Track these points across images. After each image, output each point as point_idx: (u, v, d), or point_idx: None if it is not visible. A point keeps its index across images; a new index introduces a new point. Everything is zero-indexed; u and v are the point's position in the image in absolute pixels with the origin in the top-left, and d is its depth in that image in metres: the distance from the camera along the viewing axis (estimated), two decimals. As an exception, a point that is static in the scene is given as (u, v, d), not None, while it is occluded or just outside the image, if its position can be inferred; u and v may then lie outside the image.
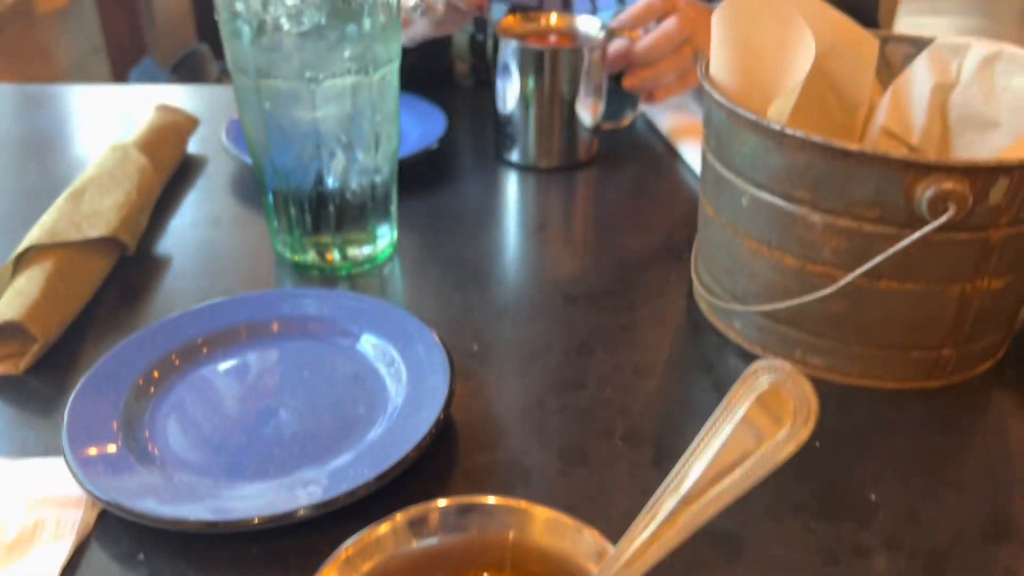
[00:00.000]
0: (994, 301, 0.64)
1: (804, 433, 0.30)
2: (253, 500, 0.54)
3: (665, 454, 0.61)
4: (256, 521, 0.52)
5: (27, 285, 0.69)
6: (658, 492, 0.35)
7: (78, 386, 0.61)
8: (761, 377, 0.31)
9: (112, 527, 0.55)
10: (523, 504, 0.38)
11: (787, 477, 0.59)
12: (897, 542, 0.55)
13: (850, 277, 0.60)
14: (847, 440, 0.63)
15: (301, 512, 0.52)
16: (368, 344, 0.68)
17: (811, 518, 0.56)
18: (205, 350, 0.67)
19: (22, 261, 0.72)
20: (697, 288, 0.77)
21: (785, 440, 0.31)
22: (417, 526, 0.37)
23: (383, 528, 0.37)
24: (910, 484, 0.59)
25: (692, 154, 1.03)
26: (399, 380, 0.64)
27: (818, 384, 0.71)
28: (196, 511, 0.52)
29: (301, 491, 0.54)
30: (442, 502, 0.38)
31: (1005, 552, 0.54)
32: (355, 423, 0.61)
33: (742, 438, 0.32)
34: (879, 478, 0.59)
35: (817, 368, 0.68)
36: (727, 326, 0.73)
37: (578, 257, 0.87)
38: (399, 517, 0.37)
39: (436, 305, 0.78)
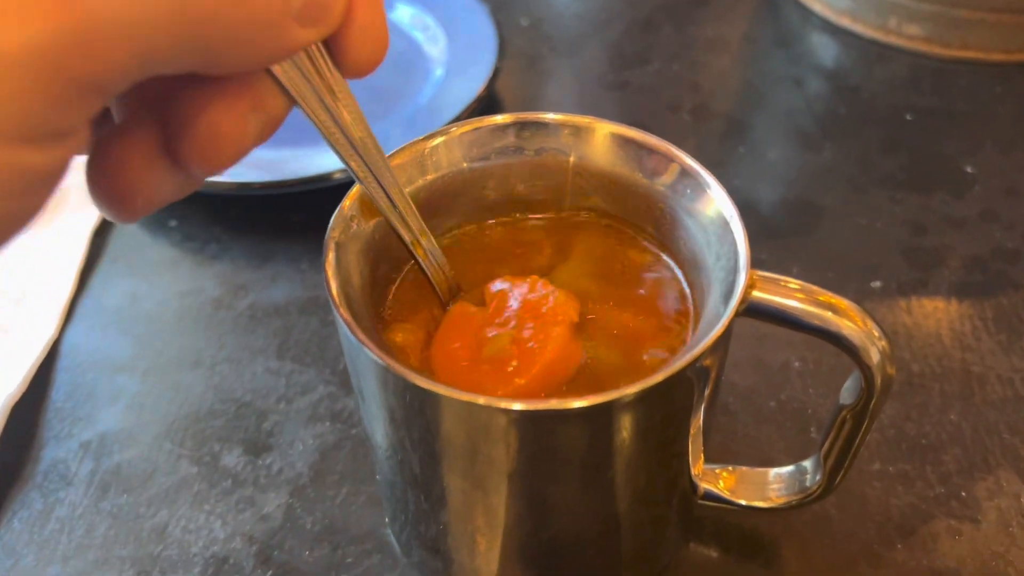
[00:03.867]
0: None
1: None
2: (290, 164, 0.50)
3: (736, 127, 0.55)
4: (292, 182, 0.48)
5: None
6: None
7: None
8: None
9: (142, 195, 0.51)
10: (586, 120, 0.33)
11: (872, 151, 0.53)
12: (993, 213, 0.49)
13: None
14: (943, 115, 0.56)
15: (338, 174, 0.48)
16: (406, 14, 0.61)
17: (899, 189, 0.51)
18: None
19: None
20: (779, -46, 0.68)
21: None
22: (471, 142, 0.32)
23: (436, 140, 0.32)
24: (1012, 157, 0.53)
25: None
26: (440, 51, 0.58)
27: (914, 58, 0.64)
28: (228, 174, 0.49)
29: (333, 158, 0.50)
30: (499, 117, 0.33)
31: (1115, 225, 0.49)
32: (392, 94, 0.56)
33: None
34: (977, 151, 0.53)
35: (914, 39, 0.60)
36: (812, -5, 0.64)
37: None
38: (454, 129, 0.32)
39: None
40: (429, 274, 0.30)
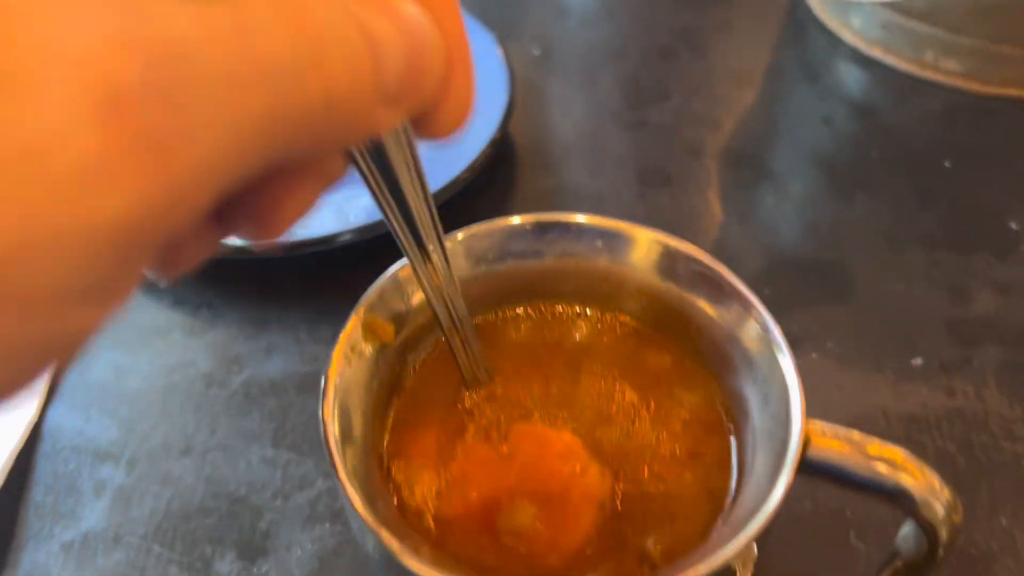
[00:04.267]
0: None
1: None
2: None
3: (762, 174, 0.52)
4: (293, 245, 0.44)
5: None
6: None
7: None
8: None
9: (129, 253, 0.48)
10: (621, 226, 0.29)
11: (908, 202, 0.50)
12: (1040, 277, 0.46)
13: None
14: (983, 160, 0.52)
15: (340, 237, 0.45)
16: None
17: (938, 249, 0.47)
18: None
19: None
20: (806, -23, 0.64)
21: None
22: (485, 248, 0.29)
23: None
24: (1059, 211, 0.50)
25: None
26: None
27: (952, 94, 0.60)
28: (220, 235, 0.45)
29: (335, 215, 0.46)
30: (516, 219, 0.29)
31: None
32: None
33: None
34: (1021, 202, 0.50)
35: (952, 74, 0.56)
36: (842, 24, 0.60)
37: (658, -55, 0.73)
38: (460, 235, 0.29)
39: (484, 1, 0.66)
40: (460, 364, 0.28)
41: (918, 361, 0.42)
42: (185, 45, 0.13)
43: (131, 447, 0.40)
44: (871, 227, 0.49)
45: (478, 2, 0.66)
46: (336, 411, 0.24)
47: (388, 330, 0.27)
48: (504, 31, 0.61)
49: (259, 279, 0.47)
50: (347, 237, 0.45)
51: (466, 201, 0.50)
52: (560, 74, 0.59)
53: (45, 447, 0.40)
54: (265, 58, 0.14)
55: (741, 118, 0.56)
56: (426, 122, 0.20)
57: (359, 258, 0.45)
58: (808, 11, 0.63)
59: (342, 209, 0.47)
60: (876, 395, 0.41)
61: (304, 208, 0.19)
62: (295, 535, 0.37)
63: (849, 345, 0.43)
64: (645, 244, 0.29)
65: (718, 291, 0.27)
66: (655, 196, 0.51)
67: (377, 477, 0.25)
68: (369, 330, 0.27)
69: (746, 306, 0.26)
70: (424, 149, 0.52)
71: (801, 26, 0.62)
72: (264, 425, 0.41)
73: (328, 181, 0.20)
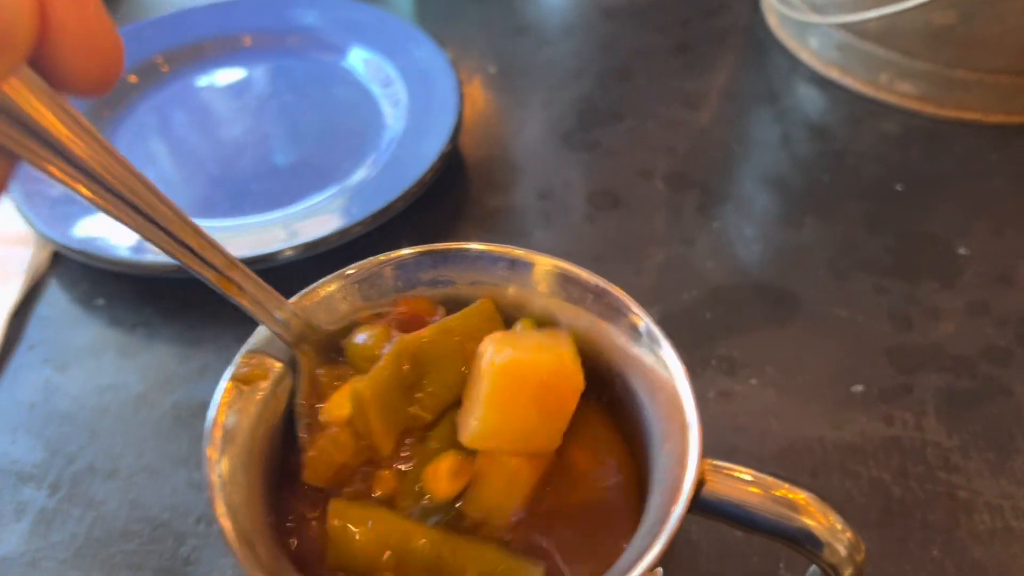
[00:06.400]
0: None
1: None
2: (227, 241, 0.46)
3: (713, 199, 0.52)
4: (224, 267, 0.44)
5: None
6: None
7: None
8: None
9: (70, 270, 0.48)
10: (519, 251, 0.29)
11: (856, 227, 0.49)
12: (984, 305, 0.46)
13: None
14: (934, 185, 0.52)
15: (283, 253, 0.44)
16: (359, 60, 0.57)
17: (884, 275, 0.47)
18: (165, 69, 0.57)
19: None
20: (765, -2, 0.64)
21: None
22: (375, 279, 0.29)
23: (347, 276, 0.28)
24: (1007, 238, 0.49)
25: None
26: (397, 104, 0.54)
27: (906, 117, 0.60)
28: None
29: (282, 231, 0.46)
30: (406, 251, 0.29)
31: (1116, 319, 0.45)
32: (345, 155, 0.52)
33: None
34: (969, 229, 0.49)
35: (906, 96, 0.56)
36: (800, 44, 0.60)
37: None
38: (350, 272, 0.29)
39: (446, 18, 0.66)
40: (259, 317, 0.27)
41: (858, 388, 0.42)
42: None
43: (56, 469, 0.40)
44: (819, 252, 0.48)
45: (438, 19, 0.66)
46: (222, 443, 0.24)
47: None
48: (462, 48, 0.61)
49: (198, 297, 0.46)
50: (289, 254, 0.45)
51: (415, 218, 0.49)
52: (515, 93, 0.59)
53: (-32, 469, 0.40)
54: None
55: (694, 141, 0.56)
56: (55, 73, 0.19)
57: (302, 276, 0.44)
58: (768, 32, 0.63)
59: (287, 225, 0.47)
60: (814, 423, 0.41)
61: None
62: (216, 561, 0.36)
63: (790, 372, 0.43)
64: (545, 272, 0.28)
65: (625, 324, 0.27)
66: (603, 219, 0.50)
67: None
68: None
69: (649, 335, 0.26)
70: (378, 161, 0.52)
71: (761, 47, 0.62)
72: (192, 448, 0.40)
73: None
